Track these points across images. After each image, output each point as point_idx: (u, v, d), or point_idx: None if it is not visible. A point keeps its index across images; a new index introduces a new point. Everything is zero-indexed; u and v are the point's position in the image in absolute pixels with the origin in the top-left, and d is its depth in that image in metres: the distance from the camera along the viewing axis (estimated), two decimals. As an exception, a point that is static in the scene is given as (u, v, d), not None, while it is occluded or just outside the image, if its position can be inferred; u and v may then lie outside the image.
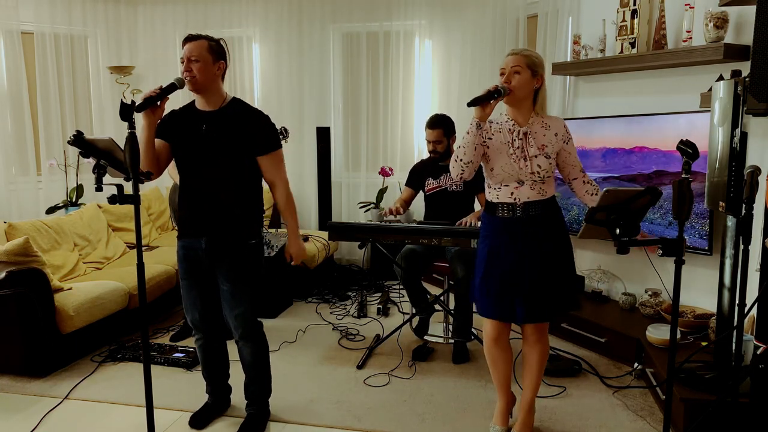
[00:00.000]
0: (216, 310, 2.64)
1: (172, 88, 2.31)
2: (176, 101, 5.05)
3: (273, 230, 4.55)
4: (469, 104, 2.28)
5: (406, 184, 3.86)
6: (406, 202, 3.80)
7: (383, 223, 3.35)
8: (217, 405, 2.81)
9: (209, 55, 2.40)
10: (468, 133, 2.33)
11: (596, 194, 2.46)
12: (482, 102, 2.26)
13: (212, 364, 2.74)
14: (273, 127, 2.52)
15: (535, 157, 2.35)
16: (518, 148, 2.36)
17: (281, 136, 3.78)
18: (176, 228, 3.62)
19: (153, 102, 2.26)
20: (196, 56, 2.37)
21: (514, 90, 2.31)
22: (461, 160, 2.36)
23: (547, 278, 2.38)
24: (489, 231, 2.47)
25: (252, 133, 2.45)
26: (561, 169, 2.47)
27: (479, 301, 2.48)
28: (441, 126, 3.57)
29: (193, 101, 2.53)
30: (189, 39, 2.41)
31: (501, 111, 2.48)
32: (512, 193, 2.38)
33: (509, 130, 2.39)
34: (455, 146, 2.42)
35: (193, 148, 2.46)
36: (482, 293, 2.45)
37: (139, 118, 2.23)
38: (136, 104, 2.18)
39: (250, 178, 2.51)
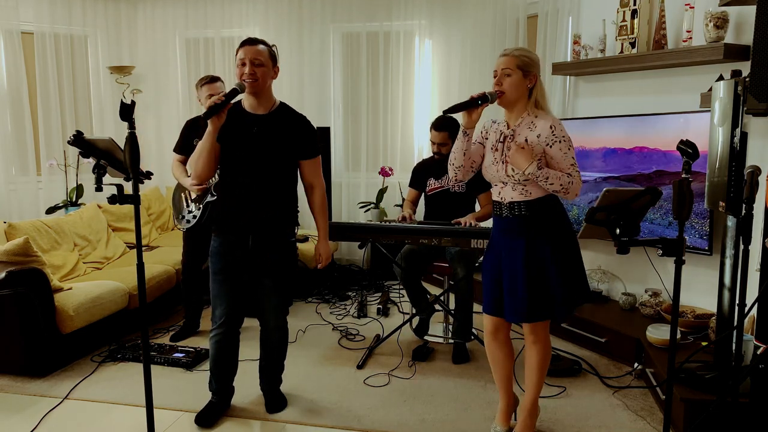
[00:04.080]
0: (244, 305, 2.73)
1: (235, 93, 2.40)
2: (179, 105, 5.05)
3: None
4: (445, 112, 2.31)
5: (410, 185, 3.86)
6: (414, 203, 3.81)
7: (383, 223, 3.35)
8: (221, 404, 2.82)
9: (270, 60, 2.50)
10: (458, 138, 2.40)
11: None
12: (463, 109, 2.29)
13: (225, 360, 2.76)
14: (315, 134, 2.67)
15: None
16: (497, 150, 2.38)
17: None
18: (178, 228, 3.64)
19: (218, 110, 2.35)
20: (260, 60, 2.45)
21: (505, 93, 2.31)
22: (453, 164, 2.46)
23: (532, 279, 2.34)
24: (493, 228, 2.54)
25: (299, 138, 2.59)
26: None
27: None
28: (447, 129, 3.55)
29: (239, 102, 2.59)
30: (249, 42, 2.48)
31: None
32: (499, 193, 2.42)
33: (500, 131, 2.41)
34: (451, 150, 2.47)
35: (244, 149, 2.54)
36: (483, 288, 2.53)
37: (142, 118, 2.25)
38: (205, 113, 2.33)
39: (291, 179, 2.66)
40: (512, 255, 2.38)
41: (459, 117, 2.40)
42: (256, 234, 2.59)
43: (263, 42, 2.51)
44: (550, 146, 2.29)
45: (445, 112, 2.31)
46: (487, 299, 2.50)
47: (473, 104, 2.28)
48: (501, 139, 2.37)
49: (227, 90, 2.42)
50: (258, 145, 2.53)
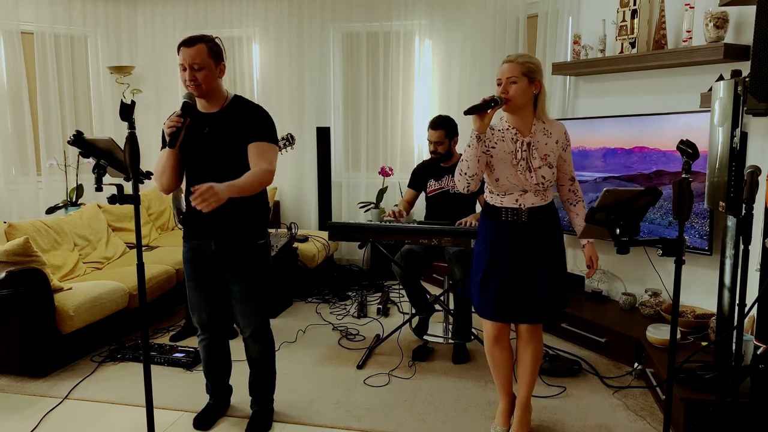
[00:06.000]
0: (223, 311, 2.65)
1: (188, 107, 2.29)
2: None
3: (272, 230, 4.55)
4: (466, 113, 2.24)
5: (409, 186, 3.86)
6: (409, 204, 3.81)
7: (383, 223, 3.35)
8: (219, 405, 2.82)
9: (211, 60, 2.35)
10: (469, 146, 2.31)
11: (576, 204, 2.52)
12: (479, 111, 2.23)
13: (216, 364, 2.75)
14: (270, 121, 2.48)
15: (539, 168, 2.35)
16: (523, 159, 2.35)
17: (287, 143, 3.78)
18: (178, 228, 3.64)
19: (180, 133, 2.28)
20: (199, 63, 2.31)
21: (512, 100, 2.30)
22: (466, 174, 2.35)
23: (546, 279, 2.39)
24: (490, 233, 2.45)
25: (252, 125, 2.43)
26: None
27: (479, 302, 2.48)
28: (443, 127, 3.56)
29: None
30: (186, 44, 2.33)
31: (501, 116, 2.45)
32: (517, 200, 2.39)
33: (512, 139, 2.37)
34: (460, 160, 2.40)
35: (198, 151, 2.45)
36: (483, 294, 2.45)
37: (142, 118, 2.24)
38: (168, 142, 2.25)
39: None
40: (532, 258, 2.39)
41: (459, 120, 2.39)
42: (219, 238, 2.47)
43: (202, 38, 2.34)
44: (564, 150, 2.44)
45: (466, 112, 2.25)
46: (493, 306, 2.43)
47: (487, 106, 2.24)
48: (524, 147, 2.35)
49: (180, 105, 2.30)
50: (211, 145, 2.42)
